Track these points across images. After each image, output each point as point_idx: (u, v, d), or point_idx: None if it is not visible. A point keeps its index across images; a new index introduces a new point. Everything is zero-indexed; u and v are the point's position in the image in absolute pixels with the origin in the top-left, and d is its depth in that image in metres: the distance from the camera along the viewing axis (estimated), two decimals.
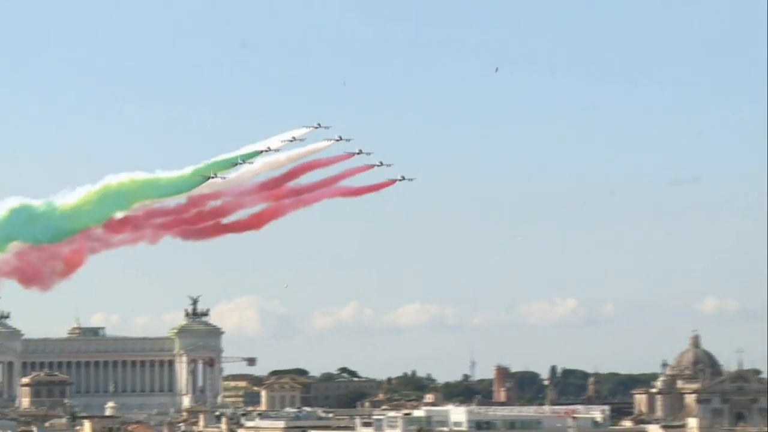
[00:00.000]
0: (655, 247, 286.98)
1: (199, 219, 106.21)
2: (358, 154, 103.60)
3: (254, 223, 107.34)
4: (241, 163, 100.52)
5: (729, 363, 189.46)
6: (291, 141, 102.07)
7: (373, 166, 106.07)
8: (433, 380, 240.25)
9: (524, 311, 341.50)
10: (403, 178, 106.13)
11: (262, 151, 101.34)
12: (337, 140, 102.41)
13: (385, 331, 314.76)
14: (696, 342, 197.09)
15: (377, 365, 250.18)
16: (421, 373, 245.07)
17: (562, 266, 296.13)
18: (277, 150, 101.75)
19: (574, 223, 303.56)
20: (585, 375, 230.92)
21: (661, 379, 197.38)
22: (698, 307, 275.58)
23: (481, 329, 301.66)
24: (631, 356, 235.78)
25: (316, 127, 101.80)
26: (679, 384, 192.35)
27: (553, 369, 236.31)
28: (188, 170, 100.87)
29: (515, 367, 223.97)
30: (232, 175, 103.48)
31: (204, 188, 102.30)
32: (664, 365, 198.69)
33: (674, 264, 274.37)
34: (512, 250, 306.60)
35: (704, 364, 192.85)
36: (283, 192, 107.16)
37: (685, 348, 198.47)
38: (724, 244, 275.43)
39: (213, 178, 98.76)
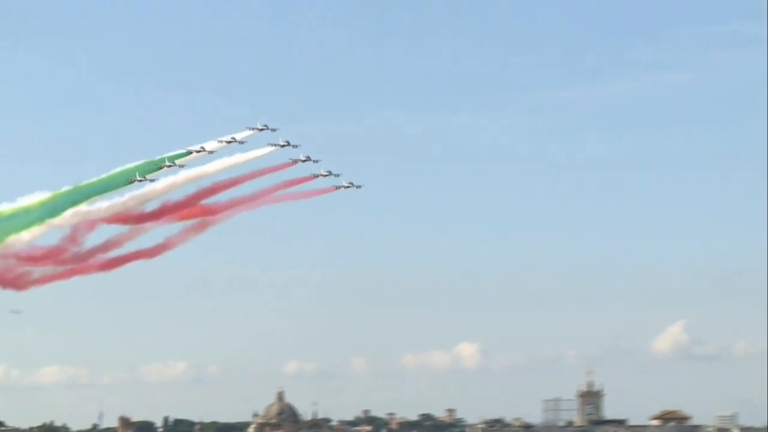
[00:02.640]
0: (250, 318, 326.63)
1: None
2: (304, 161, 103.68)
3: None
4: (169, 165, 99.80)
5: (306, 413, 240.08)
6: (229, 143, 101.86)
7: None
8: (68, 429, 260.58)
9: (143, 371, 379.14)
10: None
11: (190, 152, 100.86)
12: (282, 146, 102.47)
13: (29, 388, 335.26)
14: (281, 396, 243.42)
15: (22, 416, 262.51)
16: (59, 423, 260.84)
17: (174, 334, 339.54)
18: (211, 152, 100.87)
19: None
20: (192, 424, 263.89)
21: (253, 426, 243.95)
22: (283, 368, 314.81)
23: (108, 386, 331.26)
24: (229, 408, 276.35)
25: (261, 129, 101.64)
26: (267, 430, 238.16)
27: (166, 419, 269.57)
28: (114, 172, 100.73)
29: (135, 418, 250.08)
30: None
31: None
32: (255, 415, 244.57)
33: (264, 333, 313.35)
34: (133, 322, 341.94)
35: (287, 414, 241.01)
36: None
37: (272, 401, 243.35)
38: (298, 315, 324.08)
39: (140, 180, 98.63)
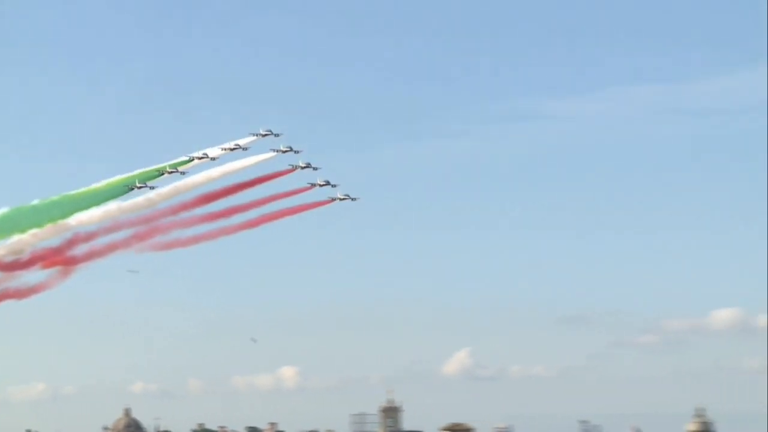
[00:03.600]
0: (106, 347, 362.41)
1: None
2: (303, 168, 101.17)
3: None
4: (170, 172, 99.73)
5: (150, 426, 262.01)
6: (233, 149, 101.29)
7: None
8: None
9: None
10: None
11: (192, 159, 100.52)
12: (285, 151, 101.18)
13: None
14: (128, 412, 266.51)
15: None
16: None
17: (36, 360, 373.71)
18: (213, 158, 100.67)
19: None
20: None
21: None
22: (130, 388, 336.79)
23: None
24: (81, 423, 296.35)
25: (265, 135, 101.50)
26: None
27: None
28: (115, 180, 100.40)
29: None
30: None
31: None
32: (105, 428, 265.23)
33: (115, 358, 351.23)
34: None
35: (133, 427, 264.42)
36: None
37: (119, 416, 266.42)
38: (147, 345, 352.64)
39: (140, 188, 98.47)
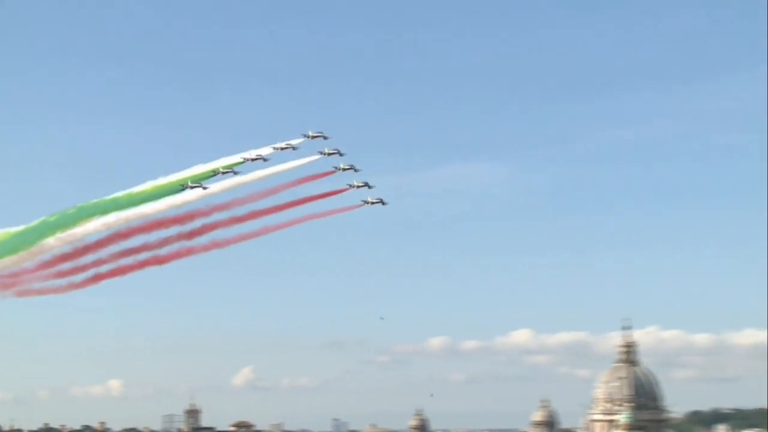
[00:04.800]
0: None
1: None
2: (343, 170, 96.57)
3: None
4: (223, 173, 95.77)
5: (5, 425, 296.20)
6: (283, 149, 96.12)
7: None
8: None
9: None
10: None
11: (244, 161, 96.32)
12: (328, 154, 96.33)
13: None
14: None
15: None
16: None
17: None
18: (265, 159, 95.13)
19: None
20: None
21: None
22: None
23: None
24: None
25: (314, 137, 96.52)
26: None
27: None
28: (170, 179, 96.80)
29: None
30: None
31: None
32: None
33: None
34: None
35: None
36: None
37: None
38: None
39: (193, 187, 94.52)
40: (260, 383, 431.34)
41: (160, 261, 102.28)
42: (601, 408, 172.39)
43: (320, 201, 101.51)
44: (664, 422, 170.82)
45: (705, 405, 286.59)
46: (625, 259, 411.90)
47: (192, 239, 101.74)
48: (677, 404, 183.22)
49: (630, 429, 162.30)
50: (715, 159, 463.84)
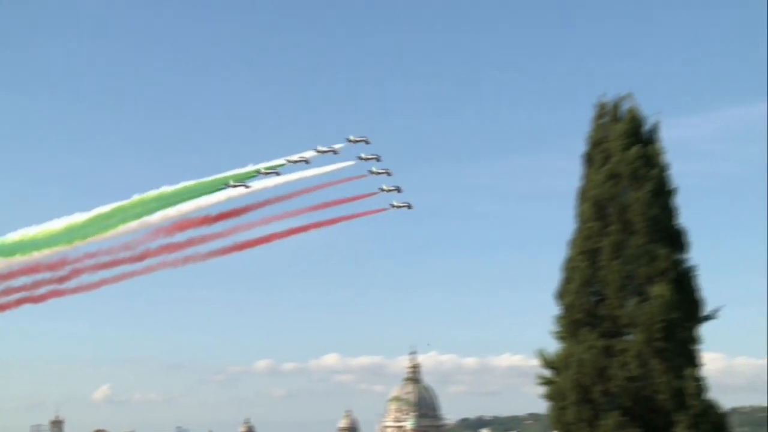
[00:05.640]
0: None
1: None
2: (376, 174, 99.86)
3: None
4: (266, 173, 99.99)
5: None
6: (325, 152, 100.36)
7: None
8: None
9: None
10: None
11: (287, 163, 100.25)
12: (366, 159, 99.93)
13: None
14: None
15: None
16: None
17: None
18: (307, 162, 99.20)
19: None
20: None
21: None
22: None
23: None
24: None
25: (356, 141, 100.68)
26: None
27: None
28: (210, 179, 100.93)
29: None
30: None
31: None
32: None
33: None
34: None
35: None
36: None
37: None
38: None
39: (235, 186, 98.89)
40: (116, 398, 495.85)
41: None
42: (393, 416, 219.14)
43: (347, 204, 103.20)
44: (441, 427, 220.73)
45: (473, 413, 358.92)
46: (411, 298, 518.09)
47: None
48: (451, 413, 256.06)
49: None
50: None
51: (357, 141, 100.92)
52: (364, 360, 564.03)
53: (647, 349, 25.87)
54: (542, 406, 27.80)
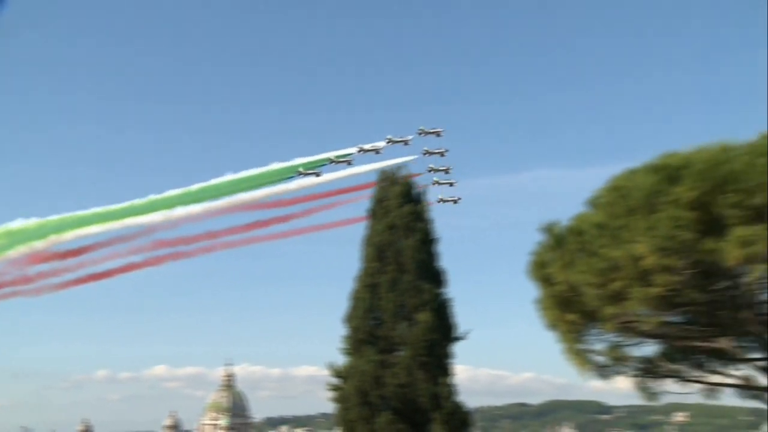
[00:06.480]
0: None
1: None
2: (434, 171, 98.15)
3: None
4: (336, 162, 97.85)
5: None
6: (395, 143, 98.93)
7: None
8: None
9: None
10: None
11: (359, 152, 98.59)
12: (430, 153, 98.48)
13: None
14: None
15: None
16: None
17: None
18: (378, 152, 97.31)
19: None
20: None
21: None
22: None
23: None
24: None
25: (428, 133, 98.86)
26: None
27: None
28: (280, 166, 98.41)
29: None
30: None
31: None
32: None
33: None
34: None
35: None
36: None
37: None
38: None
39: (306, 174, 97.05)
40: None
41: None
42: (210, 416, 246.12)
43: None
44: (249, 425, 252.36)
45: (276, 413, 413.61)
46: (229, 318, 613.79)
47: None
48: (258, 413, 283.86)
49: (227, 430, 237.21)
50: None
51: (429, 133, 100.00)
52: (189, 370, 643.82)
53: (413, 362, 33.06)
54: (331, 407, 34.49)
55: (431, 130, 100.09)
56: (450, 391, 32.97)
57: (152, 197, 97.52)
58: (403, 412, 32.76)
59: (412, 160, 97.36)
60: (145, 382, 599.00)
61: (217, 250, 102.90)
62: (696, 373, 30.03)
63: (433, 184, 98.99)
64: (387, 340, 33.78)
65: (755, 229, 24.90)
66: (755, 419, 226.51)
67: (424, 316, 33.23)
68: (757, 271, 25.78)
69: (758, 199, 25.31)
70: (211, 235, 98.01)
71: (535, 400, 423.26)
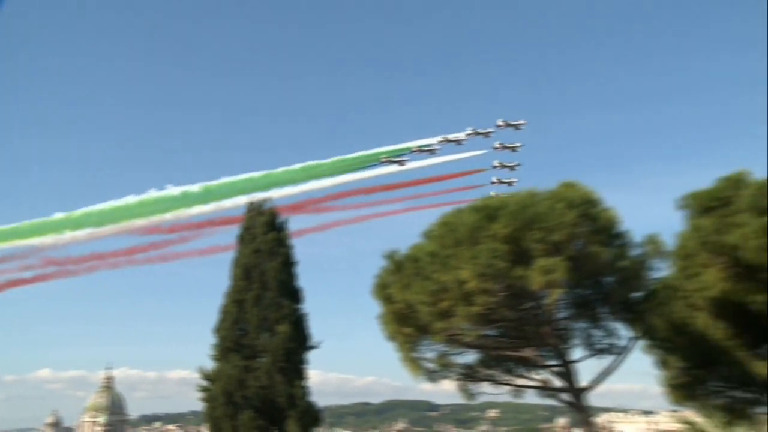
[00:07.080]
0: None
1: None
2: (501, 167, 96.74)
3: None
4: (419, 152, 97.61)
5: None
6: (476, 135, 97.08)
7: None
8: None
9: None
10: None
11: (443, 141, 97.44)
12: (502, 148, 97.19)
13: None
14: None
15: None
16: None
17: None
18: (459, 143, 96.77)
19: None
20: None
21: None
22: None
23: None
24: None
25: (507, 126, 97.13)
26: None
27: None
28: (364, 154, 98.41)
29: None
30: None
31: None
32: None
33: None
34: None
35: None
36: None
37: None
38: None
39: (387, 162, 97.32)
40: None
41: None
42: (90, 415, 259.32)
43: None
44: (125, 422, 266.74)
45: (150, 411, 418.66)
46: (111, 326, 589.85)
47: None
48: (135, 411, 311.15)
49: (105, 427, 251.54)
50: None
51: (508, 125, 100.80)
52: (72, 373, 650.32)
53: (273, 367, 38.00)
54: (200, 406, 38.98)
55: (511, 123, 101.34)
56: (304, 392, 38.06)
57: (37, 220, 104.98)
58: (263, 411, 37.62)
59: (481, 154, 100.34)
60: (29, 384, 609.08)
61: (101, 269, 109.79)
62: (506, 377, 36.86)
63: (492, 183, 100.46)
64: (251, 348, 38.63)
65: (554, 261, 31.62)
66: (550, 414, 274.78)
67: (283, 328, 38.33)
68: (555, 294, 32.50)
69: (557, 236, 32.14)
70: (97, 256, 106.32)
71: (376, 399, 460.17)
